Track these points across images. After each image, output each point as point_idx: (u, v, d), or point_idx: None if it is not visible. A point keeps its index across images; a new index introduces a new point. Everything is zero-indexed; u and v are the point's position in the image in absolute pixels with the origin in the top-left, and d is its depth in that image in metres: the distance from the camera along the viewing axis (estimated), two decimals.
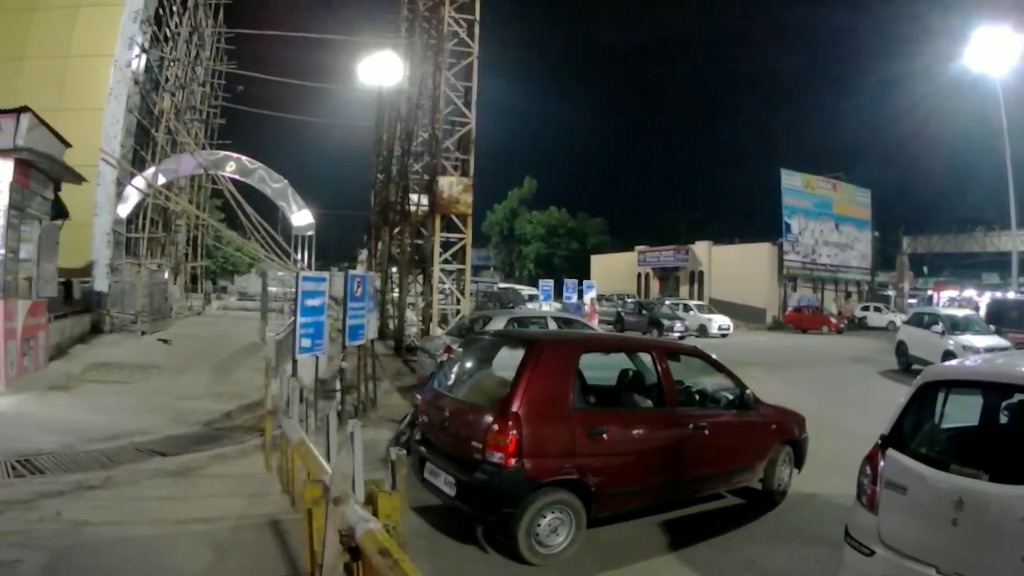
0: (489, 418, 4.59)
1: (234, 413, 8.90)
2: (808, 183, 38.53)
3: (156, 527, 4.85)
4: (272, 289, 21.58)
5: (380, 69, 24.23)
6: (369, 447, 6.81)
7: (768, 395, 9.72)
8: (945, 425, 3.91)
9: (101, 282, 15.81)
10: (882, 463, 3.63)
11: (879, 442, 3.73)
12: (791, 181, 37.61)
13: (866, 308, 37.25)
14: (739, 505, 6.06)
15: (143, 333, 14.96)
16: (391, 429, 8.06)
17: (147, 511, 5.17)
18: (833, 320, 32.55)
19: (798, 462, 6.38)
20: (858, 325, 34.89)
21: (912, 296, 41.39)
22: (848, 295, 40.48)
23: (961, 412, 4.04)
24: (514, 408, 4.51)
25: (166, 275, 19.33)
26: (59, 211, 11.81)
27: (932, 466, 3.41)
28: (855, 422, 9.48)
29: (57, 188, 11.61)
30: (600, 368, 6.15)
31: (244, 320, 20.03)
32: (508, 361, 5.17)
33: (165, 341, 14.29)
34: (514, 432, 4.43)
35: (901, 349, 17.47)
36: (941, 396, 3.79)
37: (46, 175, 10.92)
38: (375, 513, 2.97)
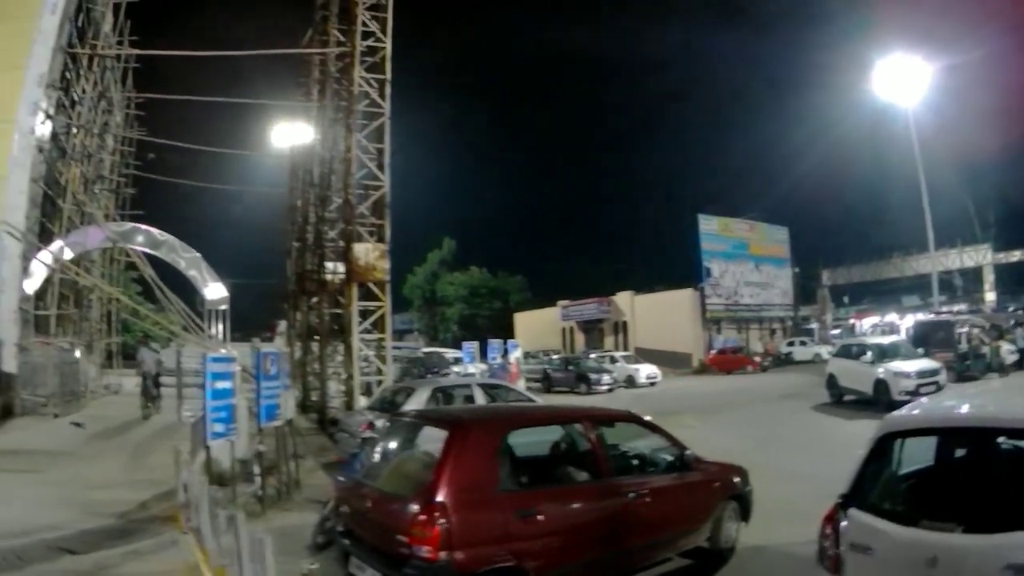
0: (413, 509, 4.29)
1: (149, 502, 8.38)
2: (725, 226, 39.14)
3: None
4: (194, 365, 20.79)
5: (292, 133, 23.28)
6: (295, 534, 6.67)
7: (702, 443, 9.36)
8: (902, 471, 3.72)
9: (9, 363, 14.79)
10: (844, 523, 3.37)
11: (839, 501, 3.49)
12: (708, 226, 38.05)
13: (791, 343, 37.59)
14: (688, 566, 5.92)
15: (56, 416, 14.14)
16: (317, 511, 7.61)
17: None
18: (756, 359, 32.93)
19: (744, 515, 6.26)
20: (785, 361, 35.26)
21: (835, 327, 41.72)
22: (772, 332, 41.31)
23: (913, 450, 3.81)
24: (439, 497, 4.24)
25: (77, 353, 18.16)
26: None
27: (898, 522, 3.19)
28: (796, 463, 9.46)
29: None
30: (534, 435, 5.93)
31: (162, 398, 18.95)
32: (431, 443, 4.95)
33: (78, 424, 13.48)
34: (441, 523, 4.15)
35: (832, 382, 17.39)
36: (898, 444, 3.60)
37: None
38: None
